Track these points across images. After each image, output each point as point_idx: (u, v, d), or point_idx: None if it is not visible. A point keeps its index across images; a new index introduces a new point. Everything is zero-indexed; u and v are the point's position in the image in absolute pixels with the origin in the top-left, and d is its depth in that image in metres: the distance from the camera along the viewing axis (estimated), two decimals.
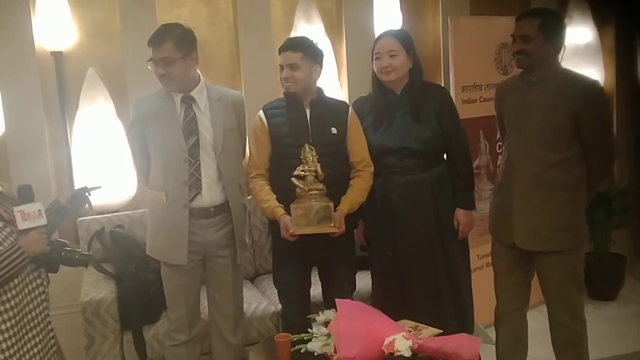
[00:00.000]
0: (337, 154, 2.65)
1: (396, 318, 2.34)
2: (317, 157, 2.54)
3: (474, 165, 3.39)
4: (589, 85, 2.51)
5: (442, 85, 3.91)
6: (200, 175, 2.52)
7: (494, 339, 2.83)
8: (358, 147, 2.69)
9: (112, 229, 3.23)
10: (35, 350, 2.03)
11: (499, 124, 2.80)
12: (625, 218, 4.06)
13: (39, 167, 3.25)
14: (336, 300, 2.33)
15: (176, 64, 2.43)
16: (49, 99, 3.35)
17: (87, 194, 2.39)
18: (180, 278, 2.60)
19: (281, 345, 2.25)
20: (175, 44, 2.42)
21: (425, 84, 2.79)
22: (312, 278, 2.82)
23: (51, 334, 2.12)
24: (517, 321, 2.74)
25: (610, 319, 3.78)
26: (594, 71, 4.27)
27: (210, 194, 2.54)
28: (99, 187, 2.47)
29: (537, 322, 2.92)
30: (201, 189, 2.52)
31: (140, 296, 2.86)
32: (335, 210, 2.55)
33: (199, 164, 2.52)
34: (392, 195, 2.70)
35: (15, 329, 1.95)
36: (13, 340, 1.94)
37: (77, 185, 3.32)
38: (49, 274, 2.12)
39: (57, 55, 3.33)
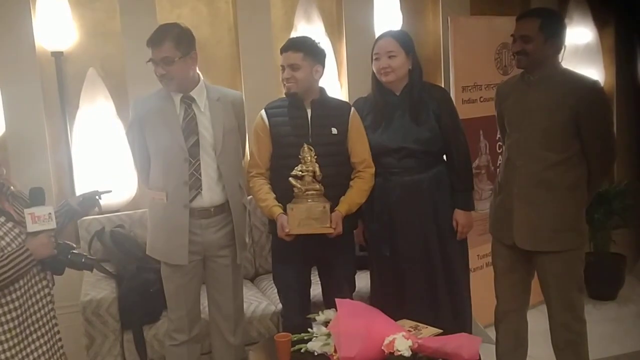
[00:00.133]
0: (337, 154, 2.65)
1: (395, 318, 2.34)
2: (315, 157, 2.54)
3: (474, 165, 3.40)
4: (589, 86, 2.51)
5: (442, 85, 3.92)
6: (200, 175, 2.52)
7: (494, 338, 2.83)
8: (359, 148, 2.68)
9: (113, 228, 3.23)
10: (40, 350, 2.03)
11: (499, 124, 2.80)
12: (625, 218, 4.06)
13: (39, 167, 3.24)
14: (336, 300, 2.32)
15: (176, 64, 2.43)
16: (50, 99, 3.35)
17: (97, 197, 2.40)
18: (181, 278, 2.60)
19: (281, 345, 2.25)
20: (174, 43, 2.42)
21: (425, 84, 2.79)
22: (312, 278, 2.82)
23: (58, 336, 2.12)
24: (517, 321, 2.74)
25: (610, 319, 3.78)
26: (594, 71, 4.27)
27: (210, 194, 2.54)
28: (110, 191, 2.51)
29: (537, 322, 2.91)
30: (201, 189, 2.52)
31: (141, 296, 2.86)
32: (333, 211, 2.55)
33: (199, 164, 2.52)
34: (390, 195, 2.70)
35: (19, 329, 1.96)
36: (16, 340, 1.95)
37: (78, 185, 3.33)
38: (53, 275, 2.12)
39: (57, 55, 3.32)
